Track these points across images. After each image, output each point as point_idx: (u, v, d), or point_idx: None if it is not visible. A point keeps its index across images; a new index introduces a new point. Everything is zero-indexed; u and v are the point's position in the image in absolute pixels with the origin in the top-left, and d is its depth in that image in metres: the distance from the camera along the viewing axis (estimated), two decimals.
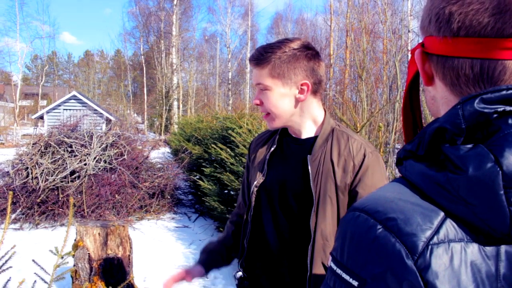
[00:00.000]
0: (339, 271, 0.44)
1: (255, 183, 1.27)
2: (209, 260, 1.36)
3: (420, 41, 0.53)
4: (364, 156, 1.14)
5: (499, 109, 0.42)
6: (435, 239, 0.39)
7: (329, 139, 1.19)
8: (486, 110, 0.42)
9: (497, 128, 0.41)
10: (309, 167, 1.17)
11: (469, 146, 0.42)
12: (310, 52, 1.17)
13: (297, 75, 1.15)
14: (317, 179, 1.15)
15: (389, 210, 0.42)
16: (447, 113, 0.45)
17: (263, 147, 1.34)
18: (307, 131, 1.23)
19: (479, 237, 0.40)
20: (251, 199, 1.28)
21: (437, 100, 0.52)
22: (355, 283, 0.41)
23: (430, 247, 0.38)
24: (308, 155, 1.18)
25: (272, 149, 1.28)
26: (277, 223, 1.23)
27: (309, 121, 1.22)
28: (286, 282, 1.21)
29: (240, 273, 1.32)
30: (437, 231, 0.39)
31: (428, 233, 0.39)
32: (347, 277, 0.42)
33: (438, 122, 0.45)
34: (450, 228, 0.40)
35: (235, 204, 3.32)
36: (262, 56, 1.15)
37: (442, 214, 0.41)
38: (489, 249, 0.39)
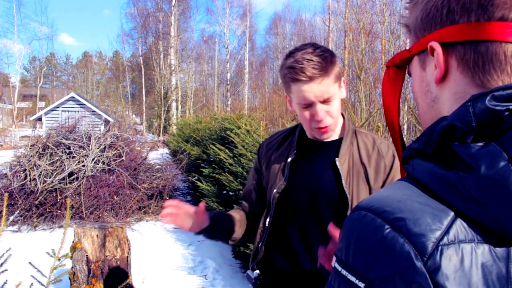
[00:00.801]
0: (344, 272, 0.42)
1: (275, 189, 1.21)
2: (217, 226, 1.24)
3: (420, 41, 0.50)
4: (394, 156, 1.14)
5: (510, 107, 0.41)
6: (445, 240, 0.38)
7: (354, 141, 1.18)
8: (497, 108, 0.41)
9: (509, 126, 0.40)
10: (340, 170, 1.13)
11: (480, 144, 0.40)
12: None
13: (341, 75, 1.15)
14: (349, 181, 1.13)
15: (397, 209, 0.41)
16: (456, 110, 0.43)
17: (278, 150, 1.29)
18: (332, 134, 1.20)
19: (490, 238, 0.38)
20: (271, 205, 1.22)
21: (441, 101, 0.50)
22: (362, 285, 0.40)
23: (440, 248, 0.37)
24: (336, 158, 1.15)
25: (293, 153, 1.22)
26: (303, 230, 1.19)
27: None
28: None
29: (257, 271, 1.28)
30: (447, 232, 0.38)
31: (438, 233, 0.38)
32: (352, 279, 0.41)
33: (447, 120, 0.43)
34: (460, 228, 0.39)
35: (234, 205, 3.31)
36: (325, 64, 1.07)
37: (452, 214, 0.40)
38: (500, 251, 0.38)
